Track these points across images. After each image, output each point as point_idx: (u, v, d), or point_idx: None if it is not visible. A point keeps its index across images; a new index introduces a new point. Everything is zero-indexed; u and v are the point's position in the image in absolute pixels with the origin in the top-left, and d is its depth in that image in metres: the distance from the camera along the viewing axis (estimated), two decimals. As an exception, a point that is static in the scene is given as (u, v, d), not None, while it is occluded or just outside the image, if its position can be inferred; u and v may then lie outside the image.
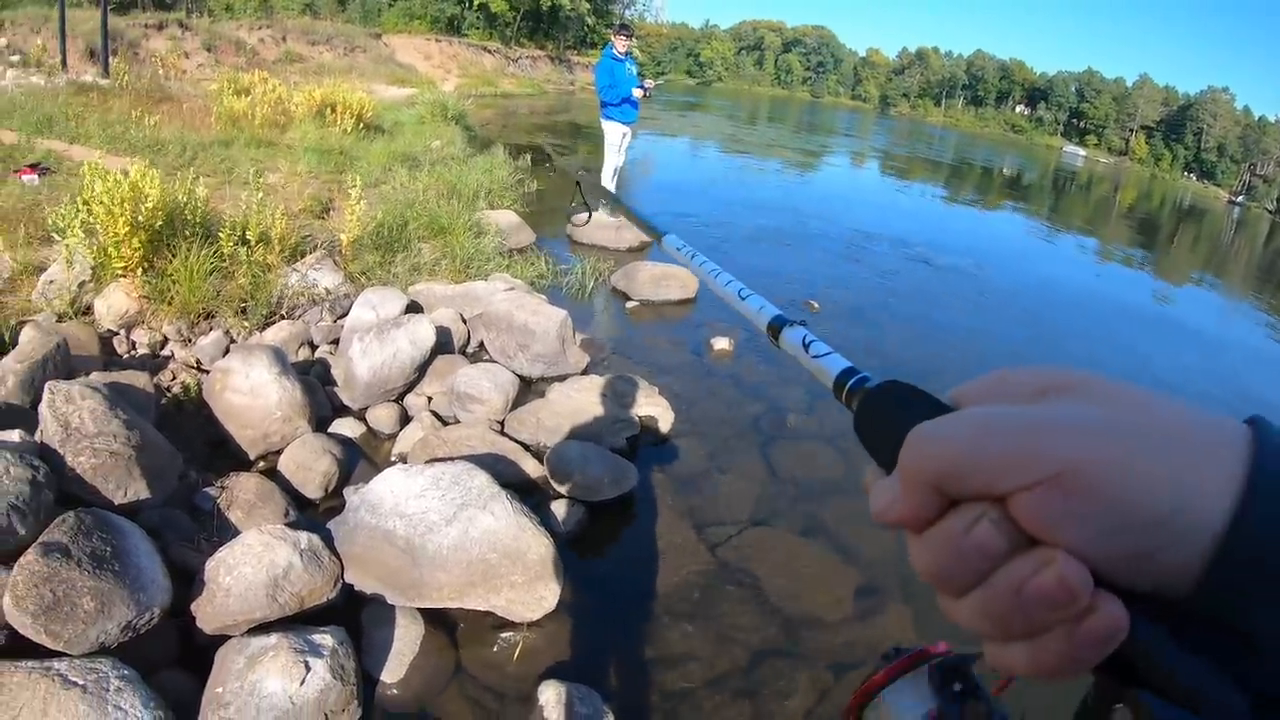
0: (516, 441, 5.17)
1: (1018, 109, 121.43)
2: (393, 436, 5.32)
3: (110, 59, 16.85)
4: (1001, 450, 0.41)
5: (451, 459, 4.34)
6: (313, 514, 4.41)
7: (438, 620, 3.81)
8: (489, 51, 42.76)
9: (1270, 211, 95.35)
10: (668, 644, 4.09)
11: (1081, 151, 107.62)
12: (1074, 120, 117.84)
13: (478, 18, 46.37)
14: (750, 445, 6.20)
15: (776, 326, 0.88)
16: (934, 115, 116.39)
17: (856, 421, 0.59)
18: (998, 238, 21.34)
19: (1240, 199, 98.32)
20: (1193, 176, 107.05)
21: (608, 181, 11.18)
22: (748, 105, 63.29)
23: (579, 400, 5.60)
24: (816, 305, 9.90)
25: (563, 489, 4.81)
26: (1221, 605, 0.38)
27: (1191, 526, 0.38)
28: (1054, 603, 0.39)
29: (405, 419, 5.46)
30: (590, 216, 2.76)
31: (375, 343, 5.36)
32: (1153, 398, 0.42)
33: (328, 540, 3.71)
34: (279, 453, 4.67)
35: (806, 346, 0.77)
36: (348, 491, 4.45)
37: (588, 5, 50.16)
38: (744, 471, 5.79)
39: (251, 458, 4.71)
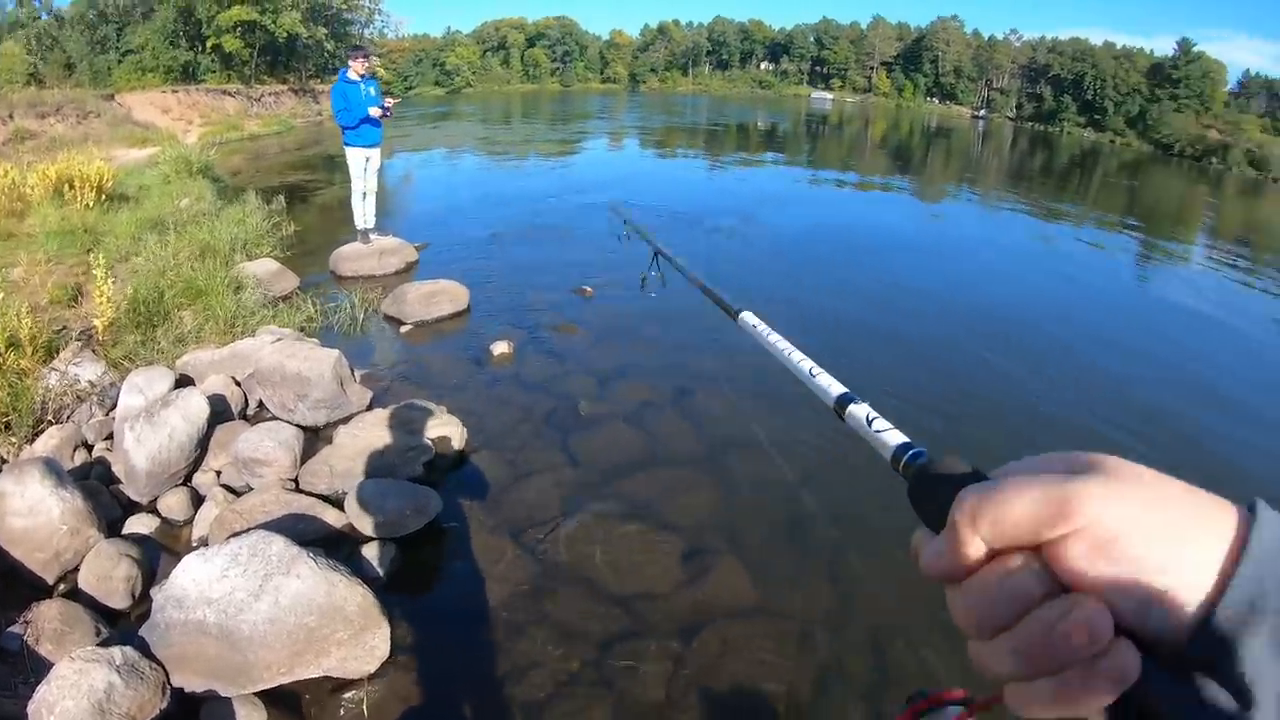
0: (314, 495, 5.06)
1: (762, 65, 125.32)
2: (189, 521, 5.06)
3: None
4: (1039, 504, 0.47)
5: (249, 531, 4.21)
6: (126, 625, 4.18)
7: (278, 700, 3.70)
8: (230, 94, 40.84)
9: (1010, 119, 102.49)
10: (513, 657, 4.11)
11: (829, 95, 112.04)
12: (817, 68, 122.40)
13: (213, 61, 44.22)
14: (548, 441, 6.26)
15: (842, 404, 0.94)
16: (683, 85, 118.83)
17: (910, 490, 0.65)
18: (760, 189, 22.16)
19: (982, 113, 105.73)
20: (935, 100, 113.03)
21: (357, 208, 10.99)
22: (500, 106, 62.92)
23: (367, 438, 5.54)
24: (590, 290, 10.07)
25: (368, 531, 4.74)
26: (1212, 654, 0.44)
27: (1189, 583, 0.45)
28: (1080, 642, 0.45)
29: (198, 500, 5.21)
30: None
31: (147, 428, 5.09)
32: (1166, 478, 0.49)
33: (144, 649, 3.56)
34: (77, 569, 4.41)
35: (869, 422, 0.84)
36: (154, 591, 4.20)
37: (325, 31, 48.33)
38: (547, 468, 5.84)
39: (50, 581, 4.41)
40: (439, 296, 8.86)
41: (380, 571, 4.55)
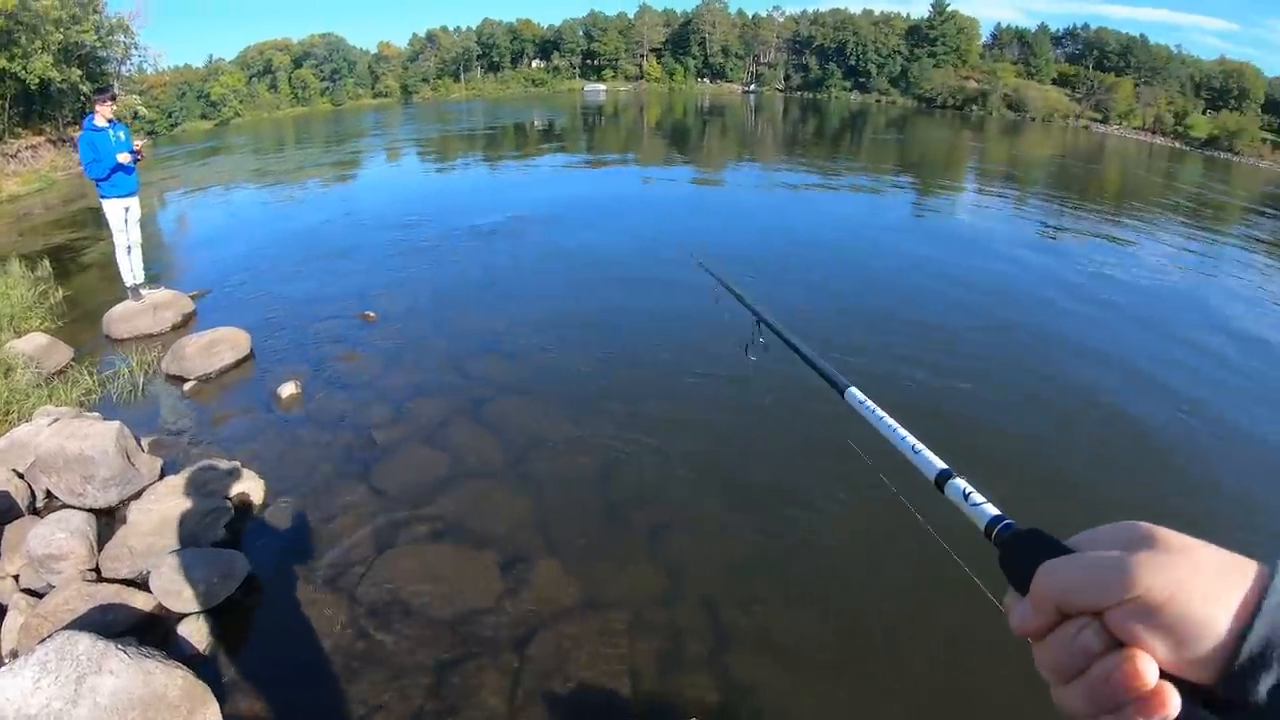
0: (118, 581, 4.87)
1: (534, 64, 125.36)
2: None
3: None
4: (1100, 582, 0.61)
5: (54, 634, 3.99)
6: None
7: None
8: None
9: (780, 90, 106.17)
10: (352, 704, 4.12)
11: (602, 86, 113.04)
12: (589, 61, 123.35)
13: None
14: (349, 477, 6.24)
15: (942, 479, 1.02)
16: (457, 91, 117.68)
17: (1001, 557, 0.77)
18: (536, 185, 22.70)
19: (752, 87, 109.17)
20: (706, 80, 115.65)
21: (123, 263, 10.46)
22: (271, 133, 60.73)
23: (163, 510, 5.37)
24: (374, 315, 10.01)
25: (179, 608, 4.62)
26: (1237, 692, 0.56)
27: (1217, 636, 0.57)
28: (1130, 687, 0.58)
29: (1, 611, 4.87)
30: None
31: (-71, 543, 4.81)
32: (1202, 545, 0.61)
33: (-24, 786, 3.39)
34: None
35: (966, 496, 0.93)
36: None
37: (80, 73, 44.94)
38: (352, 505, 5.82)
39: None
40: (219, 346, 8.58)
41: (199, 647, 4.46)
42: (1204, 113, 76.78)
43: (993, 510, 0.87)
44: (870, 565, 5.16)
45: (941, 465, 1.05)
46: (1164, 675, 0.59)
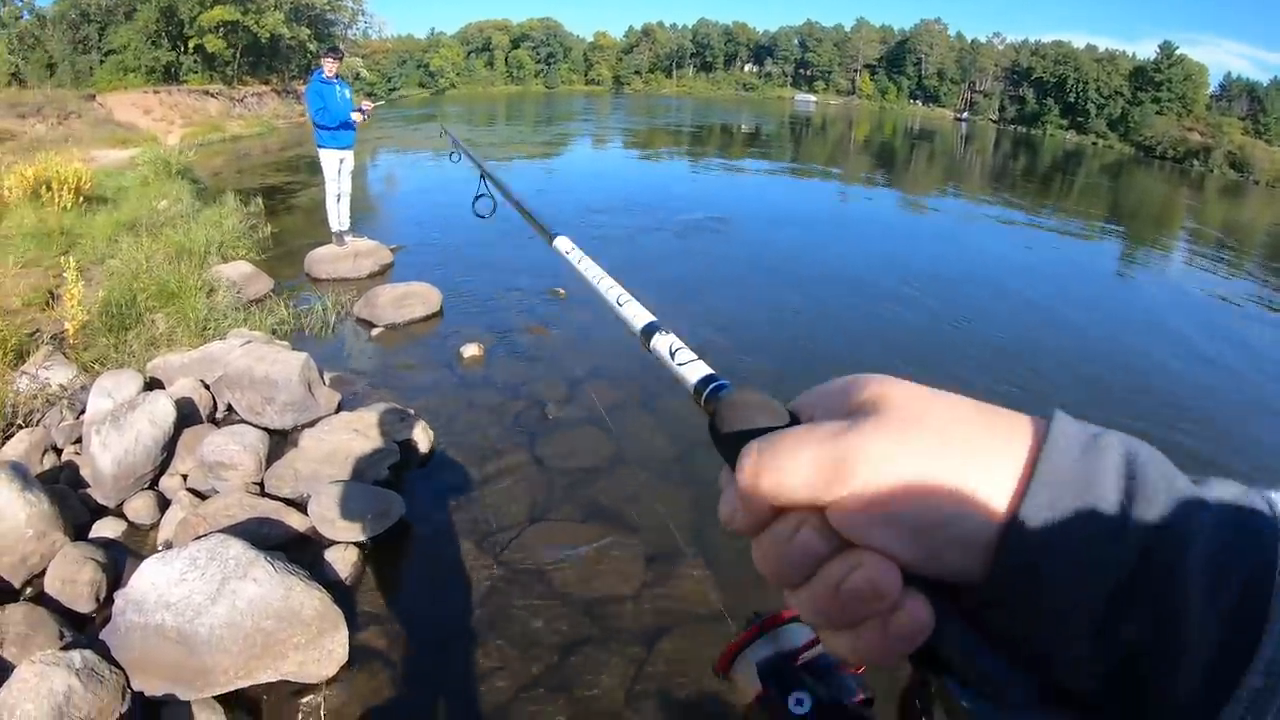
0: (278, 499, 5.04)
1: (746, 68, 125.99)
2: (155, 525, 5.02)
3: None
4: (814, 467, 0.46)
5: (209, 534, 4.18)
6: (91, 629, 4.12)
7: (236, 704, 3.68)
8: (212, 95, 39.90)
9: (994, 121, 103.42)
10: (472, 661, 4.11)
11: (812, 98, 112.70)
12: (801, 70, 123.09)
13: (195, 61, 43.15)
14: (515, 444, 6.25)
15: (647, 334, 0.89)
16: (667, 87, 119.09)
17: (711, 424, 0.62)
18: (743, 190, 22.44)
19: (965, 115, 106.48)
20: (919, 102, 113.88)
21: (332, 210, 10.96)
22: (484, 107, 62.65)
23: (333, 441, 5.50)
24: (564, 292, 10.03)
25: (331, 535, 4.73)
26: (1003, 595, 0.43)
27: (973, 529, 0.44)
28: (865, 599, 0.45)
29: (165, 503, 5.16)
30: None
31: (113, 431, 5.04)
32: (955, 403, 0.48)
33: (105, 653, 3.54)
34: (44, 573, 4.36)
35: (673, 354, 0.80)
36: (116, 595, 4.10)
37: (308, 32, 47.32)
38: (513, 472, 5.84)
39: (16, 585, 4.36)
40: (411, 299, 8.85)
41: (341, 575, 4.54)
42: None
43: (703, 369, 0.72)
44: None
45: (648, 319, 0.92)
46: (911, 577, 0.45)
